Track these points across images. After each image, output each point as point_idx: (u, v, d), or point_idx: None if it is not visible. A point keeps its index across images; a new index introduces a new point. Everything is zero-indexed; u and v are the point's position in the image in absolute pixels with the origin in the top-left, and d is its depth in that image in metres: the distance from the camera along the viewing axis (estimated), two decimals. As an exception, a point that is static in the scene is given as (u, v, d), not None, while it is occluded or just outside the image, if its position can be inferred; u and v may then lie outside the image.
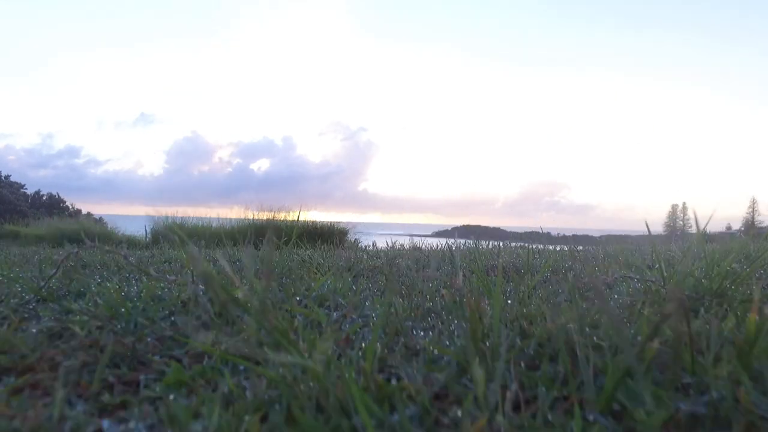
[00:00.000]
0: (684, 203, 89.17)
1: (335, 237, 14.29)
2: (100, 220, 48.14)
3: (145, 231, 15.01)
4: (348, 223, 15.23)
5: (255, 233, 14.17)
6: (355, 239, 15.04)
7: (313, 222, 14.37)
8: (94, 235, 16.99)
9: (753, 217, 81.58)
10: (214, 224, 15.01)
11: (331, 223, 14.59)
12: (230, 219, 15.08)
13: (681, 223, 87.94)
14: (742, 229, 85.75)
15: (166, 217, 15.28)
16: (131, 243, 16.73)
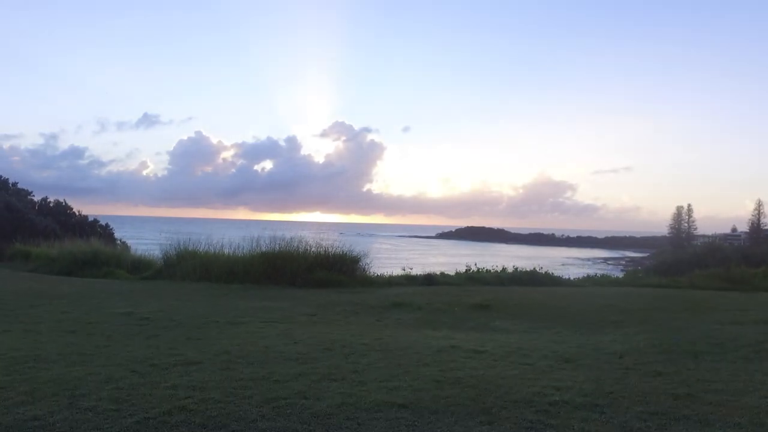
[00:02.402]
0: (689, 205, 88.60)
1: (347, 266, 14.32)
2: (106, 227, 48.18)
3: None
4: (360, 251, 15.16)
5: (267, 264, 14.18)
6: (365, 267, 15.02)
7: (325, 251, 14.34)
8: (106, 258, 17.05)
9: (759, 220, 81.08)
10: (226, 250, 14.98)
11: (342, 252, 14.57)
12: (241, 247, 15.00)
13: (686, 225, 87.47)
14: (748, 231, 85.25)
15: (178, 243, 15.27)
16: (144, 265, 16.75)
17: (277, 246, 14.46)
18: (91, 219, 45.60)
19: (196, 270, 14.22)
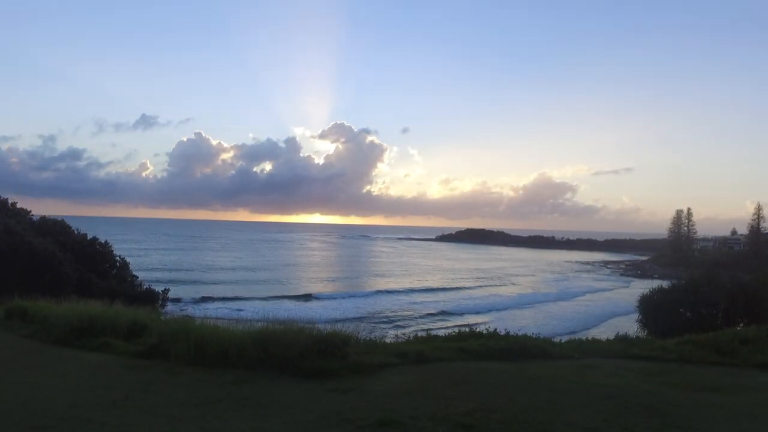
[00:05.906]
0: (689, 209, 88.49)
1: (338, 348, 14.48)
2: (105, 245, 47.96)
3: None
4: (353, 329, 15.34)
5: (259, 348, 14.33)
6: (359, 340, 15.24)
7: (318, 332, 14.52)
8: (102, 326, 17.30)
9: (758, 224, 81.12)
10: (220, 328, 15.23)
11: (333, 331, 14.74)
12: (236, 322, 15.30)
13: (686, 229, 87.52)
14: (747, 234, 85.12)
15: (174, 318, 15.55)
16: (139, 329, 17.03)
17: (270, 326, 14.76)
18: (90, 238, 45.79)
19: (190, 350, 14.49)
